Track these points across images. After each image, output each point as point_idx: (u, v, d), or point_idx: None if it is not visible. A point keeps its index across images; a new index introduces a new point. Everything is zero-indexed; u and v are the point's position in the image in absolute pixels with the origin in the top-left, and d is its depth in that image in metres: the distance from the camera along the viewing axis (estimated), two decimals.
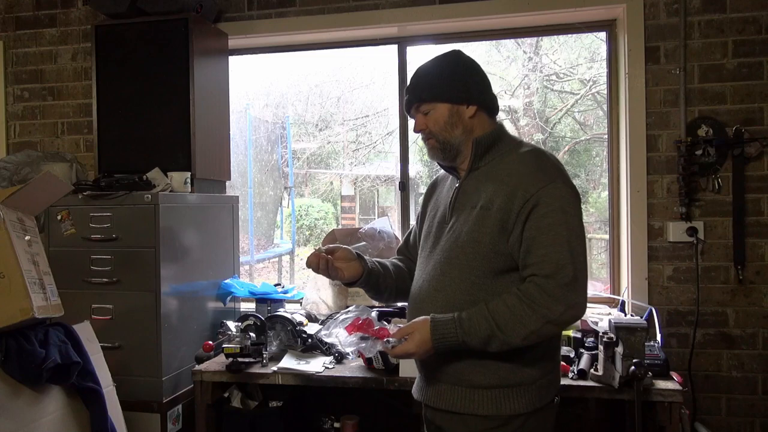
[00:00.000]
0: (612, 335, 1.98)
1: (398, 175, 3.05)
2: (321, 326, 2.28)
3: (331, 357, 2.33)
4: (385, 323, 1.53)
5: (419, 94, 1.54)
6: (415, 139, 2.99)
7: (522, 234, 1.40)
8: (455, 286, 1.47)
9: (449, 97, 1.52)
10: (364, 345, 1.49)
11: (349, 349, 1.52)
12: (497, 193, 1.44)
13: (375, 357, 2.17)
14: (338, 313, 1.64)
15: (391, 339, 1.46)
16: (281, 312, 2.55)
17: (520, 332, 1.37)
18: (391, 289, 1.71)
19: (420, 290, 1.57)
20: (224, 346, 2.27)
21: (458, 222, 1.50)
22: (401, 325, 1.50)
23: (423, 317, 1.45)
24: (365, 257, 1.67)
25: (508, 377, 1.45)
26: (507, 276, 1.45)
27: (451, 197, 1.56)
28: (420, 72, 1.57)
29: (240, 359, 2.25)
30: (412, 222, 3.24)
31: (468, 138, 1.53)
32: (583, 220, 1.50)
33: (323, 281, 2.85)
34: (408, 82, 1.60)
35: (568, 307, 1.36)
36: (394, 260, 1.81)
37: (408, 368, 2.12)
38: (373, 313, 2.33)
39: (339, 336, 1.54)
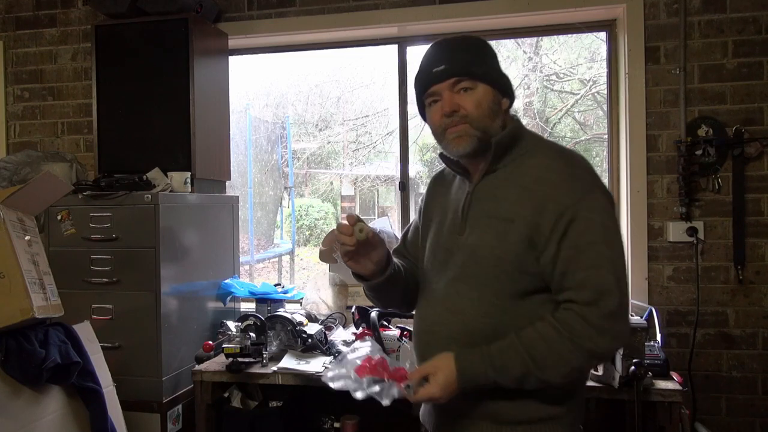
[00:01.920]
0: None
1: (398, 175, 3.05)
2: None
3: (331, 357, 2.33)
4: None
5: (467, 66, 1.28)
6: (415, 139, 2.99)
7: (557, 254, 1.19)
8: (474, 308, 1.27)
9: (496, 81, 1.30)
10: (378, 389, 1.27)
11: (359, 395, 1.26)
12: (521, 202, 1.23)
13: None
14: (345, 353, 1.35)
15: (410, 382, 1.26)
16: (281, 312, 2.55)
17: (560, 370, 1.19)
18: (403, 298, 1.46)
19: (431, 311, 1.35)
20: (224, 346, 2.27)
21: (474, 233, 1.29)
22: (403, 359, 1.33)
23: (445, 354, 1.24)
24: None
25: (536, 412, 1.26)
26: (534, 297, 1.25)
27: (464, 204, 1.33)
28: (460, 43, 1.32)
29: (240, 359, 2.25)
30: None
31: (498, 130, 1.30)
32: None
33: (323, 281, 2.85)
34: (436, 51, 1.32)
35: (614, 339, 1.19)
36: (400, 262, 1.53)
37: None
38: (373, 313, 2.35)
39: (347, 382, 1.29)
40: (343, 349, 2.35)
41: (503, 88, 1.31)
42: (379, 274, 1.33)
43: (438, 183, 1.50)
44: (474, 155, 1.29)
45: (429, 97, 1.32)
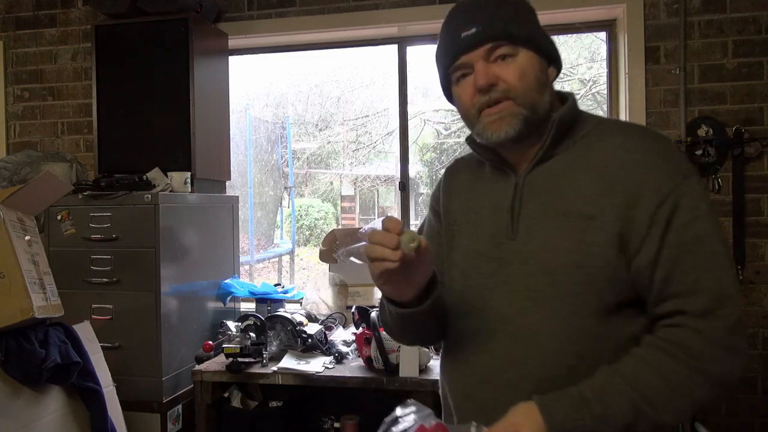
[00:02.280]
0: None
1: (398, 175, 3.05)
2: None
3: (331, 357, 2.33)
4: None
5: (505, 27, 0.99)
6: (415, 139, 2.99)
7: (659, 253, 0.93)
8: (551, 333, 0.97)
9: (541, 45, 1.02)
10: None
11: None
12: (603, 193, 0.97)
13: (375, 357, 2.17)
14: (388, 425, 0.99)
15: None
16: (281, 312, 2.55)
17: (682, 406, 0.92)
18: (437, 332, 1.14)
19: (486, 345, 1.04)
20: (224, 346, 2.27)
21: (536, 237, 1.01)
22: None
23: (524, 405, 0.93)
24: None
25: None
26: (622, 313, 0.97)
27: (512, 200, 1.05)
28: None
29: (240, 359, 2.25)
30: (413, 222, 3.26)
31: (547, 108, 1.03)
32: None
33: (323, 281, 2.85)
34: (464, 11, 1.06)
35: (741, 357, 0.93)
36: None
37: (409, 368, 2.12)
38: (373, 313, 2.34)
39: None
40: (343, 349, 2.36)
41: (549, 54, 1.04)
42: (419, 300, 1.01)
43: (457, 176, 1.19)
44: (519, 140, 1.01)
45: (457, 70, 1.03)
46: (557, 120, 1.01)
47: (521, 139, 1.01)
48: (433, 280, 1.01)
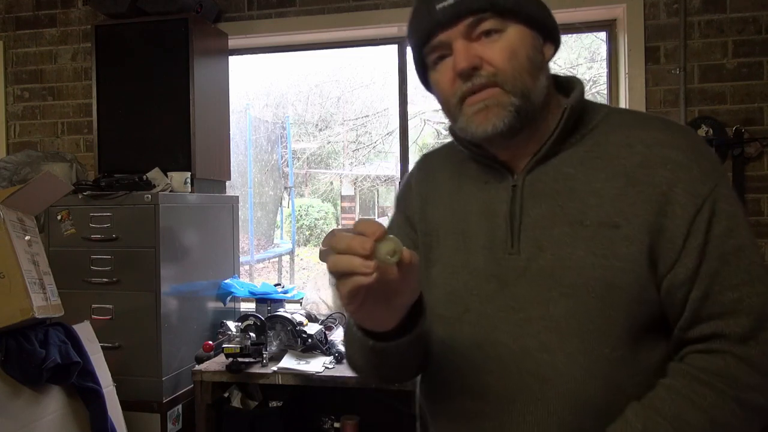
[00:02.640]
0: None
1: (398, 175, 3.05)
2: None
3: (331, 357, 2.33)
4: None
5: None
6: (415, 139, 2.99)
7: (698, 268, 0.78)
8: (573, 366, 0.79)
9: (536, 16, 0.86)
10: None
11: None
12: (625, 196, 0.80)
13: None
14: None
15: None
16: (281, 312, 2.55)
17: None
18: (419, 368, 0.92)
19: (498, 383, 0.82)
20: (224, 346, 2.27)
21: (545, 250, 0.82)
22: None
23: None
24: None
25: None
26: (647, 341, 0.81)
27: (511, 204, 0.86)
28: None
29: (240, 359, 2.25)
30: None
31: (544, 97, 0.85)
32: None
33: (323, 281, 2.85)
34: None
35: None
36: None
37: None
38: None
39: None
40: (343, 349, 2.35)
41: (545, 27, 0.87)
42: (401, 330, 0.77)
43: (435, 175, 0.98)
44: (511, 134, 0.82)
45: (433, 51, 0.84)
46: (569, 108, 0.83)
47: (513, 134, 0.82)
48: (419, 303, 0.77)
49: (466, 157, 0.93)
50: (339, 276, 0.69)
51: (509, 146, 0.87)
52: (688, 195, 0.78)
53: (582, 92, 0.87)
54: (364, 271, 0.65)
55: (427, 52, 0.85)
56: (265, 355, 2.30)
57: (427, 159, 1.03)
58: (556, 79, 0.91)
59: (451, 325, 0.87)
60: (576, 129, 0.86)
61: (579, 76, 0.98)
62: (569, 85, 0.90)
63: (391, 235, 0.67)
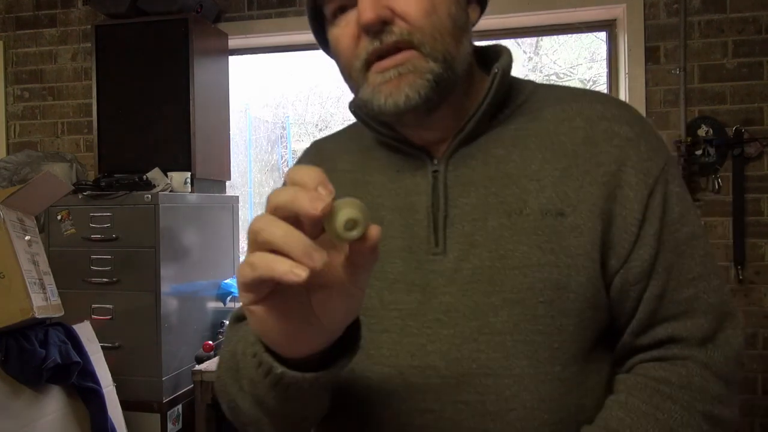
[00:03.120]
0: None
1: None
2: None
3: None
4: None
5: None
6: None
7: (654, 261, 0.66)
8: (533, 399, 0.64)
9: None
10: None
11: None
12: (567, 178, 0.67)
13: None
14: None
15: None
16: None
17: None
18: (321, 410, 0.65)
19: (426, 421, 0.65)
20: None
21: (480, 247, 0.66)
22: None
23: None
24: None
25: None
26: (599, 352, 0.69)
27: (431, 196, 0.70)
28: None
29: None
30: None
31: (467, 66, 0.69)
32: None
33: None
34: None
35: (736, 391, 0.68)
36: None
37: None
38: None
39: None
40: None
41: None
42: (324, 360, 0.54)
43: (330, 166, 0.77)
44: (427, 110, 0.65)
45: (330, 2, 0.67)
46: (500, 72, 0.68)
47: (430, 109, 0.65)
48: (356, 324, 0.55)
49: (372, 142, 0.76)
50: (259, 245, 0.43)
51: (425, 125, 0.70)
52: (639, 174, 0.66)
53: (511, 58, 0.71)
54: (295, 247, 0.41)
55: (324, 1, 0.68)
56: None
57: (320, 147, 0.85)
58: (477, 51, 0.75)
59: (363, 350, 0.61)
60: (504, 105, 0.72)
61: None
62: (494, 56, 0.73)
63: (349, 197, 0.44)
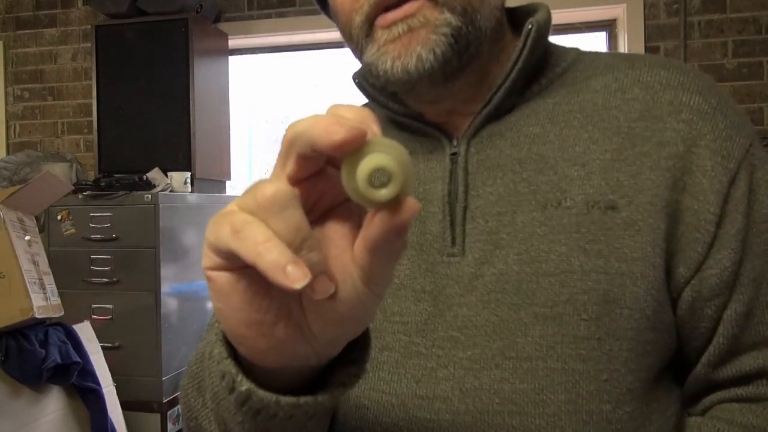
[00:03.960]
0: None
1: None
2: None
3: None
4: None
5: None
6: None
7: (738, 269, 0.50)
8: (565, 426, 0.48)
9: None
10: None
11: None
12: (621, 163, 0.52)
13: None
14: None
15: None
16: None
17: None
18: None
19: None
20: None
21: (507, 248, 0.52)
22: None
23: None
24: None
25: None
26: (664, 385, 0.53)
27: (449, 183, 0.55)
28: None
29: None
30: None
31: (495, 24, 0.55)
32: None
33: None
34: None
35: None
36: None
37: None
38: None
39: None
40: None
41: None
42: (323, 382, 0.38)
43: None
44: (445, 76, 0.52)
45: None
46: (536, 27, 0.53)
47: (448, 76, 0.52)
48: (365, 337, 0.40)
49: (382, 121, 0.53)
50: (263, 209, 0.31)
51: (443, 97, 0.56)
52: (716, 157, 0.50)
53: (549, 15, 0.56)
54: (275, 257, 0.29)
55: None
56: None
57: None
58: (508, 11, 0.60)
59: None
60: (540, 74, 0.57)
61: None
62: (527, 16, 0.58)
63: (390, 139, 0.29)
